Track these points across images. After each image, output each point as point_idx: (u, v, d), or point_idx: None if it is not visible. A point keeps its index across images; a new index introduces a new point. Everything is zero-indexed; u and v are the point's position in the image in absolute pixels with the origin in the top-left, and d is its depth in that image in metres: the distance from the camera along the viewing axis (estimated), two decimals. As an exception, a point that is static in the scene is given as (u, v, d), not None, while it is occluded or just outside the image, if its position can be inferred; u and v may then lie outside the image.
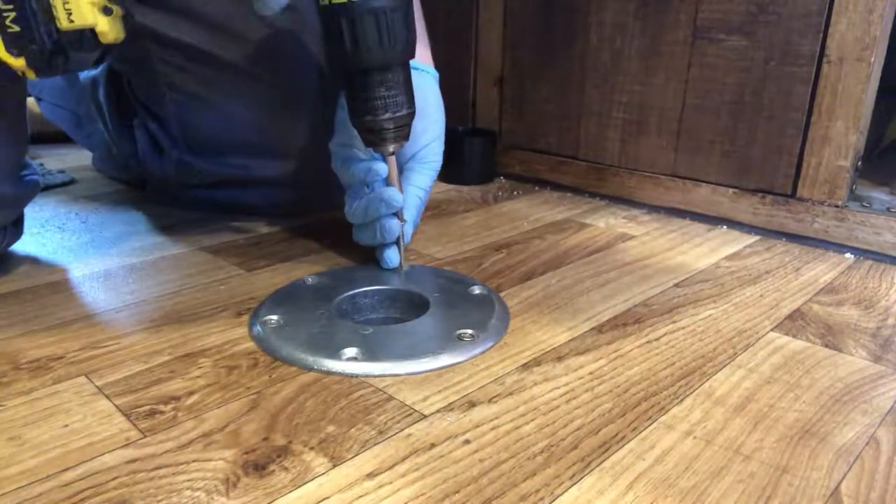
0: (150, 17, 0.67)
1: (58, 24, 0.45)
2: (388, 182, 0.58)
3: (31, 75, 0.46)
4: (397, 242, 0.59)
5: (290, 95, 0.71)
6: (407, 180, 0.61)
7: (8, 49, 0.44)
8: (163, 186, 0.79)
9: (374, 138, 0.54)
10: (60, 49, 0.46)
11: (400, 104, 0.53)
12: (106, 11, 0.45)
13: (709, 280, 0.62)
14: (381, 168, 0.57)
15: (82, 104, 0.85)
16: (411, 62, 0.55)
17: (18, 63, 0.45)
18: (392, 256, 0.60)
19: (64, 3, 0.44)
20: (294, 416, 0.40)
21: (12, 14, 0.44)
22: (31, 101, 0.99)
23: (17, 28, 0.44)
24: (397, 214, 0.58)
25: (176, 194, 0.79)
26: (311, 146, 0.73)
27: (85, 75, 0.81)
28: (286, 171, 0.73)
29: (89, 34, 0.46)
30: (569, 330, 0.52)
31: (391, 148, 0.54)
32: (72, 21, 0.45)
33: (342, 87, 0.55)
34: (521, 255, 0.68)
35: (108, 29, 0.46)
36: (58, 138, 1.06)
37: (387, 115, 0.52)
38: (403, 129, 0.54)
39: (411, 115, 0.54)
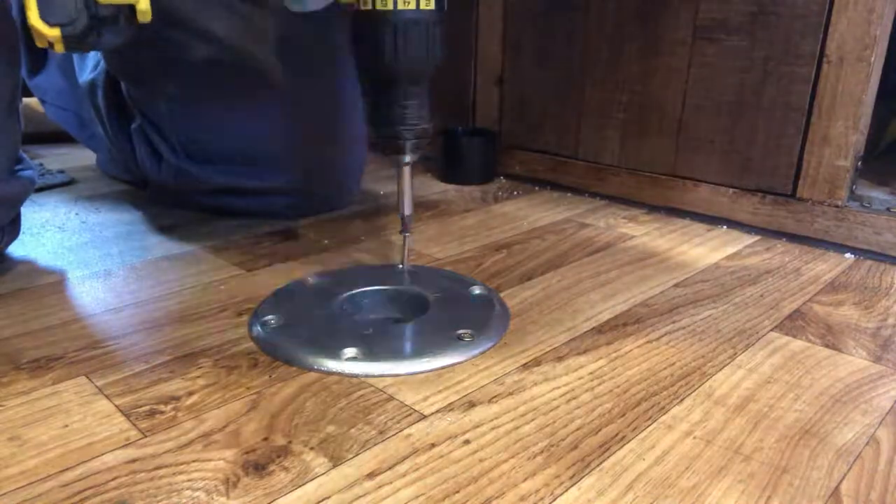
0: (151, 30, 0.67)
1: None
2: (400, 192, 0.58)
3: (59, 48, 0.43)
4: (403, 241, 0.59)
5: (290, 108, 0.71)
6: None
7: (43, 16, 0.41)
8: (163, 191, 0.79)
9: (391, 146, 0.54)
10: (95, 24, 0.43)
11: (421, 116, 0.53)
12: None
13: (709, 280, 0.62)
14: None
15: (84, 106, 0.85)
16: None
17: (52, 33, 0.42)
18: None
19: None
20: (294, 416, 0.40)
21: None
22: (34, 101, 0.99)
23: None
24: (403, 222, 0.58)
25: (175, 199, 0.79)
26: (312, 157, 0.73)
27: (84, 79, 0.80)
28: (285, 182, 0.73)
29: (127, 11, 0.43)
30: (569, 330, 0.52)
31: (408, 158, 0.55)
32: None
33: (365, 92, 0.56)
34: (521, 255, 0.68)
35: (147, 7, 0.43)
36: (58, 138, 1.06)
37: (404, 126, 0.53)
38: (421, 141, 0.55)
39: (430, 128, 0.55)
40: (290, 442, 0.38)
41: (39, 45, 0.43)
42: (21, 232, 0.69)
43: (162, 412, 0.40)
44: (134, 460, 0.36)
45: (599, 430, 0.40)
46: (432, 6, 0.50)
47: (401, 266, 0.59)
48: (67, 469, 0.35)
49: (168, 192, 0.79)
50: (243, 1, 0.67)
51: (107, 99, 0.79)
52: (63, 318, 0.52)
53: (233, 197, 0.75)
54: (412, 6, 0.49)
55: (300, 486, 0.35)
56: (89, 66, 0.80)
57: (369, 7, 0.49)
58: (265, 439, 0.38)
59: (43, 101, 0.93)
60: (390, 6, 0.49)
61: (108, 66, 0.75)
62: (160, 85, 0.71)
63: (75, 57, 0.82)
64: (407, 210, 0.57)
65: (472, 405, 0.42)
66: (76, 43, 0.43)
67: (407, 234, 0.58)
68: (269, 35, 0.68)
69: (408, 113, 0.53)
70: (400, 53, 0.50)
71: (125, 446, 0.37)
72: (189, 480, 0.35)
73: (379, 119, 0.54)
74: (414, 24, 0.50)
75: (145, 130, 0.75)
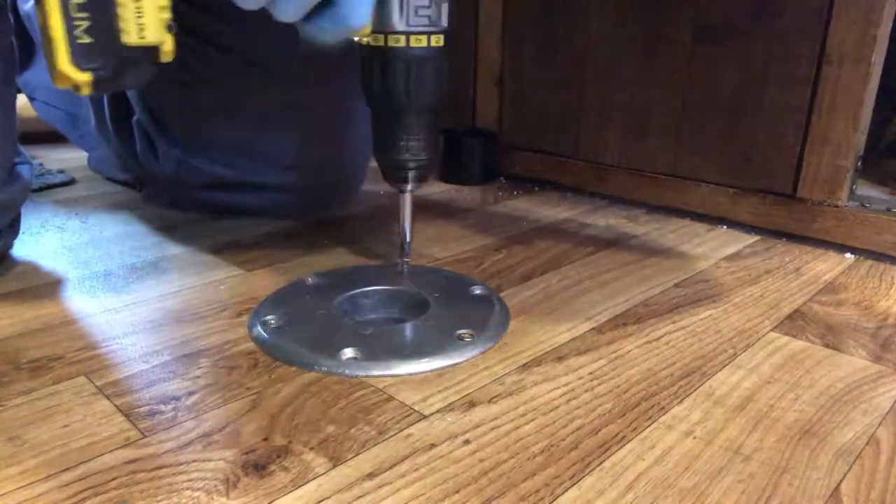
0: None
1: (125, 39, 0.40)
2: (401, 219, 0.58)
3: (85, 91, 0.41)
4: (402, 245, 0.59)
5: (291, 104, 0.71)
6: None
7: (74, 61, 0.40)
8: (162, 187, 0.79)
9: (394, 175, 0.56)
10: (123, 66, 0.41)
11: (422, 148, 0.54)
12: (170, 29, 0.42)
13: (709, 280, 0.62)
14: None
15: (78, 105, 0.85)
16: None
17: (83, 78, 0.40)
18: None
19: (137, 16, 0.40)
20: (294, 416, 0.40)
21: (86, 23, 0.39)
22: (21, 97, 0.99)
23: (88, 39, 0.40)
24: (402, 248, 0.59)
25: (175, 196, 0.79)
26: (315, 156, 0.73)
27: None
28: (285, 177, 0.73)
29: (152, 52, 0.42)
30: (569, 330, 0.52)
31: (409, 187, 0.56)
32: (142, 37, 0.41)
33: (372, 121, 0.56)
34: (521, 255, 0.68)
35: (172, 48, 0.42)
36: (53, 138, 1.06)
37: (408, 156, 0.54)
38: (422, 171, 0.56)
39: (432, 159, 0.56)
40: (290, 442, 0.38)
41: (60, 87, 0.42)
42: (21, 232, 0.69)
43: (162, 412, 0.40)
44: (134, 460, 0.36)
45: (599, 430, 0.40)
46: (442, 44, 0.51)
47: (403, 263, 0.59)
48: (67, 469, 0.35)
49: (167, 188, 0.79)
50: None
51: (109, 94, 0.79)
52: (63, 318, 0.52)
53: (233, 192, 0.75)
54: (423, 44, 0.50)
55: (300, 486, 0.35)
56: None
57: (381, 43, 0.49)
58: (265, 439, 0.38)
59: (32, 99, 0.92)
60: (402, 43, 0.49)
61: None
62: (173, 73, 0.71)
63: None
64: (407, 237, 0.59)
65: (472, 405, 0.42)
66: (105, 86, 0.42)
67: (406, 261, 0.60)
68: (282, 46, 0.69)
69: (412, 144, 0.53)
70: (410, 89, 0.51)
71: (125, 446, 0.37)
72: (189, 480, 0.35)
73: (384, 148, 0.55)
74: (424, 61, 0.50)
75: (143, 124, 0.75)
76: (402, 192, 0.57)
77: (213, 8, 0.67)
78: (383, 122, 0.54)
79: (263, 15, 0.43)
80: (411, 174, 0.55)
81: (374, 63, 0.51)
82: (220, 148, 0.73)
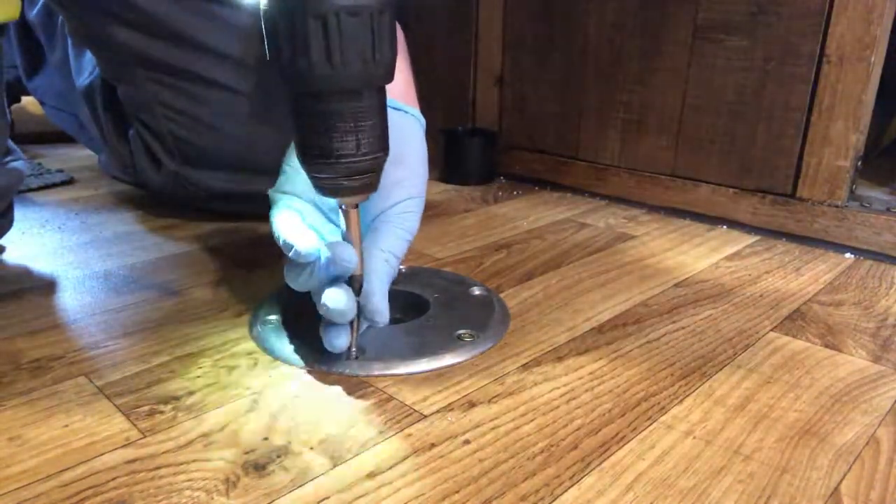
0: (135, 41, 0.66)
1: None
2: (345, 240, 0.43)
3: None
4: (350, 323, 0.44)
5: (280, 110, 0.70)
6: (373, 242, 0.46)
7: None
8: (163, 196, 0.79)
9: (329, 185, 0.40)
10: None
11: (368, 142, 0.39)
12: None
13: (709, 280, 0.62)
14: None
15: (82, 110, 0.85)
16: (392, 101, 0.43)
17: None
18: (337, 338, 0.43)
19: None
20: (294, 416, 0.40)
21: None
22: (32, 100, 0.99)
23: None
24: (352, 282, 0.43)
25: (175, 203, 0.78)
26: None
27: (81, 82, 0.80)
28: None
29: None
30: (569, 330, 0.52)
31: (353, 200, 0.41)
32: None
33: (289, 112, 0.40)
34: (521, 255, 0.68)
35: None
36: (59, 139, 1.07)
37: (348, 157, 0.39)
38: (370, 177, 0.40)
39: (382, 158, 0.41)
40: (289, 442, 0.38)
41: None
42: (21, 232, 0.69)
43: (162, 412, 0.40)
44: (134, 460, 0.36)
45: (599, 430, 0.40)
46: None
47: (350, 349, 0.45)
48: (67, 469, 0.35)
49: (167, 197, 0.78)
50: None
51: (104, 104, 0.78)
52: (63, 318, 0.52)
53: (231, 202, 0.75)
54: None
55: (300, 486, 0.35)
56: (86, 70, 0.79)
57: None
58: (265, 439, 0.38)
59: (42, 103, 0.93)
60: None
61: (103, 73, 0.75)
62: (151, 94, 0.70)
63: (72, 59, 0.81)
64: (359, 267, 0.43)
65: (472, 405, 0.42)
66: None
67: (355, 352, 0.45)
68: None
69: (347, 137, 0.38)
70: (334, 57, 0.36)
71: (125, 446, 0.37)
72: (189, 480, 0.35)
73: (307, 149, 0.39)
74: (351, 16, 0.36)
75: (142, 136, 0.75)
76: (347, 206, 0.41)
77: (191, 43, 0.67)
78: (302, 109, 0.39)
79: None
80: (354, 182, 0.40)
81: (281, 22, 0.37)
82: (216, 162, 0.72)
